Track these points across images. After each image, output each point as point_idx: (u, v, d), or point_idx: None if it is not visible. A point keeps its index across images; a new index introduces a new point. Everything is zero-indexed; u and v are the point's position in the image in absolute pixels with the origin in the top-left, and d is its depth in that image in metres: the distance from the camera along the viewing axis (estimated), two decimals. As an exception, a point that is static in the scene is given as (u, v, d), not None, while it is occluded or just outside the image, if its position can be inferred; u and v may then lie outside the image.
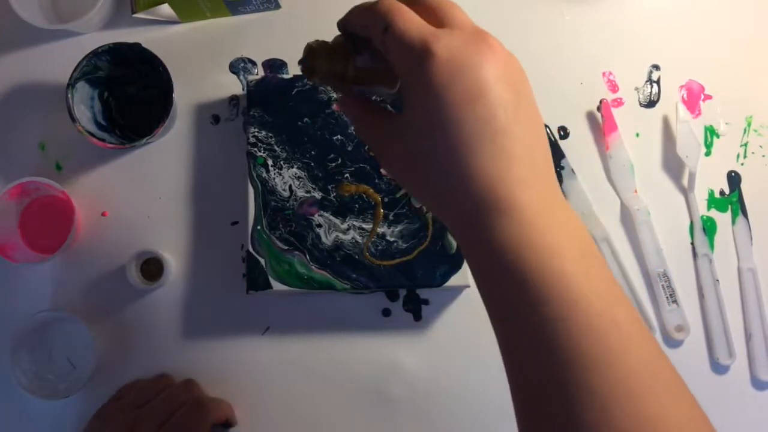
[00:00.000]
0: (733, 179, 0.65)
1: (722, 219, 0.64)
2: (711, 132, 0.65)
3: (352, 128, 0.61)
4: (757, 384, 0.62)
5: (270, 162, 0.61)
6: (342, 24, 0.38)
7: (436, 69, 0.32)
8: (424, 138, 0.33)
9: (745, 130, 0.65)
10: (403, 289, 0.63)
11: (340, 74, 0.38)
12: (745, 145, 0.65)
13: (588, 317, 0.30)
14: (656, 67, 0.66)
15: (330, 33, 0.66)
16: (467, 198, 0.32)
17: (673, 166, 0.65)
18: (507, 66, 0.33)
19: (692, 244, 0.64)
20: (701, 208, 0.64)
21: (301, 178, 0.61)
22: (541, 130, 0.35)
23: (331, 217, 0.60)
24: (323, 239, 0.60)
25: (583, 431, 0.29)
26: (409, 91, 0.34)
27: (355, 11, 0.37)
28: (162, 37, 0.66)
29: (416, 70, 0.32)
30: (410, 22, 0.34)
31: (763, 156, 0.65)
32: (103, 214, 0.64)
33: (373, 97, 0.41)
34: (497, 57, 0.33)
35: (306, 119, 0.61)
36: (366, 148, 0.61)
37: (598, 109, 0.65)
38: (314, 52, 0.38)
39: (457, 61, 0.32)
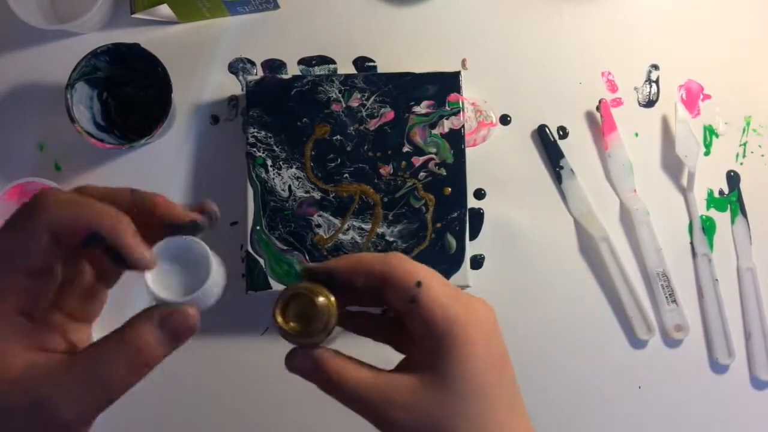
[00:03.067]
0: (732, 179, 0.65)
1: (721, 218, 0.64)
2: (710, 132, 0.65)
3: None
4: (757, 383, 0.62)
5: (269, 162, 0.61)
6: (330, 273, 0.35)
7: (475, 334, 0.33)
8: (457, 400, 0.33)
9: (744, 129, 0.65)
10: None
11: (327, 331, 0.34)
12: (744, 144, 0.65)
13: None
14: (655, 67, 0.66)
15: (328, 33, 0.66)
16: None
17: (673, 165, 0.65)
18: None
19: (691, 243, 0.64)
20: (700, 208, 0.64)
21: (300, 178, 0.61)
22: None
23: (331, 218, 0.60)
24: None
25: None
26: (441, 352, 0.33)
27: (357, 264, 0.34)
28: (161, 37, 0.66)
29: (455, 334, 0.33)
30: (441, 280, 0.34)
31: (762, 155, 0.65)
32: (102, 215, 0.64)
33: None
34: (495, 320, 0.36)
35: (305, 119, 0.61)
36: (366, 147, 0.61)
37: (597, 108, 0.65)
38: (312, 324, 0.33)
39: (487, 326, 0.35)
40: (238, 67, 0.66)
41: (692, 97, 0.66)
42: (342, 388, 0.34)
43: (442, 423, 0.33)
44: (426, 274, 0.34)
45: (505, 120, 0.65)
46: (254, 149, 0.61)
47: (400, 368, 0.35)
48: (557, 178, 0.64)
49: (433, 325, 0.33)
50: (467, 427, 0.33)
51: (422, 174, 0.60)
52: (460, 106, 0.61)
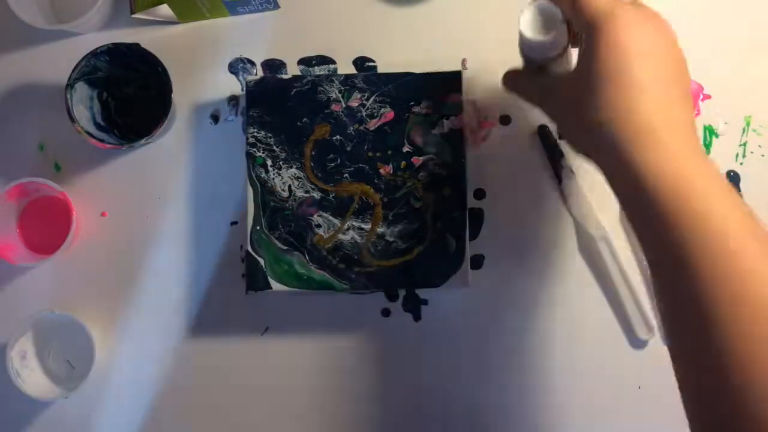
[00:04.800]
0: (732, 179, 0.65)
1: (721, 218, 0.64)
2: (710, 132, 0.65)
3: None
4: (757, 383, 0.62)
5: (269, 162, 0.61)
6: None
7: (618, 26, 0.40)
8: (590, 87, 0.40)
9: (744, 129, 0.65)
10: (403, 290, 0.63)
11: None
12: (744, 144, 0.65)
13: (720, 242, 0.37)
14: (655, 67, 0.66)
15: (328, 33, 0.66)
16: (628, 126, 0.40)
17: (673, 165, 0.64)
18: (669, 35, 0.44)
19: (691, 243, 0.63)
20: (700, 208, 0.64)
21: (300, 178, 0.61)
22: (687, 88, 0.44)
23: (330, 218, 0.60)
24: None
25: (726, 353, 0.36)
26: (592, 42, 0.41)
27: None
28: (161, 37, 0.66)
29: (605, 25, 0.40)
30: None
31: (762, 155, 0.65)
32: (102, 215, 0.64)
33: None
34: (665, 26, 0.44)
35: (305, 119, 0.61)
36: (366, 147, 0.61)
37: (597, 108, 0.65)
38: None
39: (636, 23, 0.41)
40: (238, 67, 0.66)
41: (692, 97, 0.66)
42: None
43: (579, 107, 0.41)
44: None
45: (505, 120, 0.65)
46: (254, 149, 0.61)
47: None
48: (557, 178, 0.64)
49: (581, 16, 0.41)
50: (599, 111, 0.40)
51: (422, 174, 0.60)
52: (460, 106, 0.61)
